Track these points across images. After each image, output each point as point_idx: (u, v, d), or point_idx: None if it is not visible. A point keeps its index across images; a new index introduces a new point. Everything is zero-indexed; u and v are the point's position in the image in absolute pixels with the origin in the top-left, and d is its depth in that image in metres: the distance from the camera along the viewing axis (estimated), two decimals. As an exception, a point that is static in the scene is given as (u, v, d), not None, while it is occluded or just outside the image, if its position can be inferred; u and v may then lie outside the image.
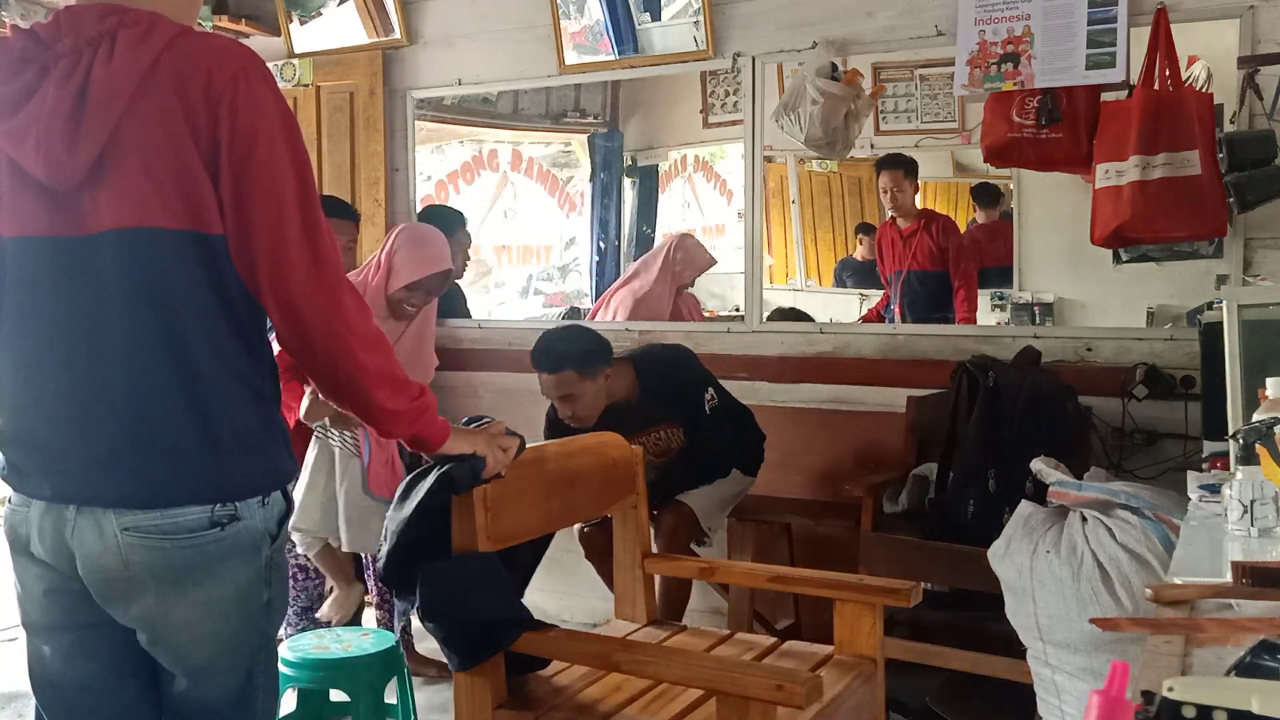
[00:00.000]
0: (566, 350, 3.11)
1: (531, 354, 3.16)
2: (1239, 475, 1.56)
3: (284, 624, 2.27)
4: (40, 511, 1.46)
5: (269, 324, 1.51)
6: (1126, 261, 3.90)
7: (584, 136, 5.94)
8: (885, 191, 4.75)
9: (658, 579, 3.11)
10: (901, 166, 4.69)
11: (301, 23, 4.34)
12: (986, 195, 5.12)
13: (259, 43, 4.28)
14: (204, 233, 1.42)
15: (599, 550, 3.33)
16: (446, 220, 4.40)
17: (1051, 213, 4.39)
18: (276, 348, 1.56)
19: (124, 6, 1.42)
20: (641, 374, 3.26)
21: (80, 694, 1.54)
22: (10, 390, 1.49)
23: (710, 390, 3.27)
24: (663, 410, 3.26)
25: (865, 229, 5.58)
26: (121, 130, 1.38)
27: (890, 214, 4.79)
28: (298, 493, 2.97)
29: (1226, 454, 2.01)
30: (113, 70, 1.38)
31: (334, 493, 3.01)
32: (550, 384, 3.12)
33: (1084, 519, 2.43)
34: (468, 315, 4.33)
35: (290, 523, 2.56)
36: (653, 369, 3.29)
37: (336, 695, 2.77)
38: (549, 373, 3.11)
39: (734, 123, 4.83)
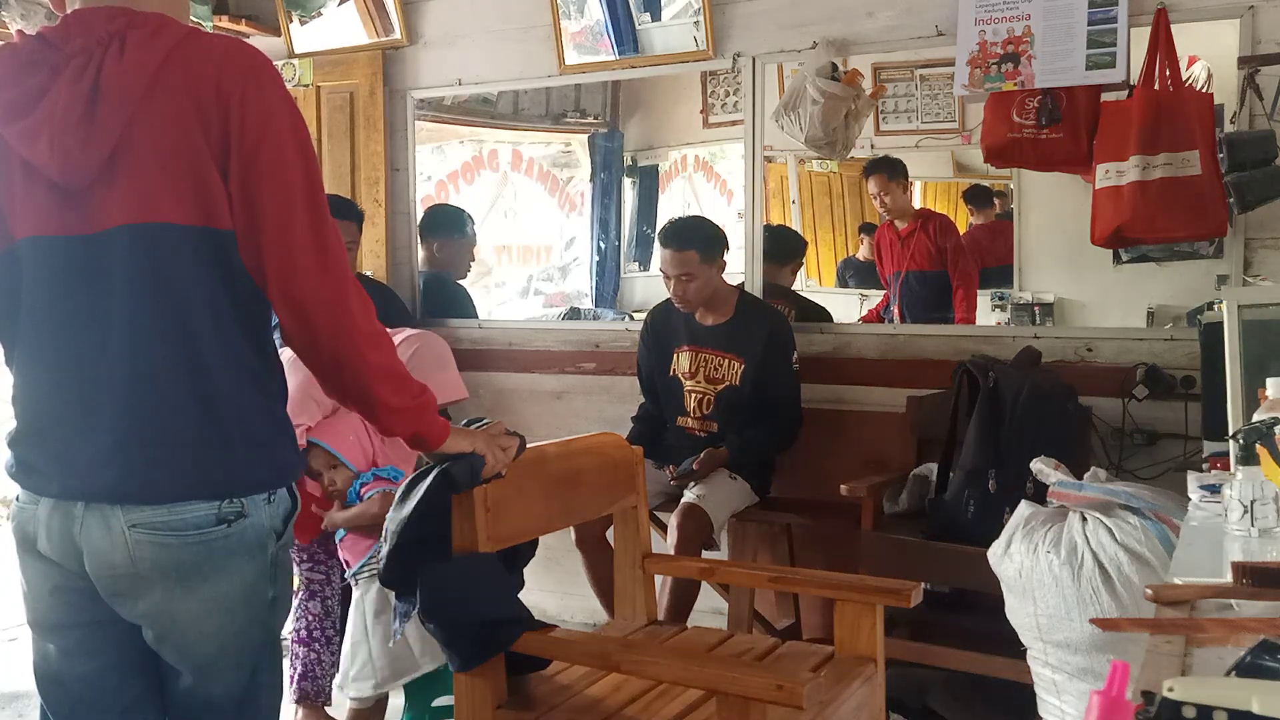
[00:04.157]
0: (694, 232, 3.46)
1: (660, 234, 3.51)
2: (1239, 475, 1.56)
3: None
4: (48, 509, 1.46)
5: (274, 320, 1.52)
6: (1126, 261, 3.91)
7: (584, 136, 5.94)
8: (874, 197, 4.76)
9: (669, 579, 3.13)
10: (884, 170, 4.69)
11: (301, 23, 4.34)
12: (979, 197, 5.12)
13: (259, 43, 4.27)
14: (214, 228, 1.43)
15: (590, 540, 3.34)
16: (454, 219, 4.42)
17: (1051, 213, 4.38)
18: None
19: (131, 9, 1.44)
20: (744, 300, 3.53)
21: (85, 692, 1.54)
22: (25, 388, 1.51)
23: (795, 355, 3.44)
24: (742, 338, 3.44)
25: (868, 229, 5.58)
26: (133, 127, 1.40)
27: (885, 216, 4.80)
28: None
29: (1227, 454, 2.01)
30: (124, 68, 1.39)
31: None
32: (674, 260, 3.39)
33: (1084, 519, 2.43)
34: (475, 315, 4.33)
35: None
36: (755, 301, 3.58)
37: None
38: (676, 250, 3.39)
39: (734, 123, 4.83)
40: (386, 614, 2.59)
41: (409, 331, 2.99)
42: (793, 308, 3.94)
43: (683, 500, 3.27)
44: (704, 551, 3.31)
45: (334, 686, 2.75)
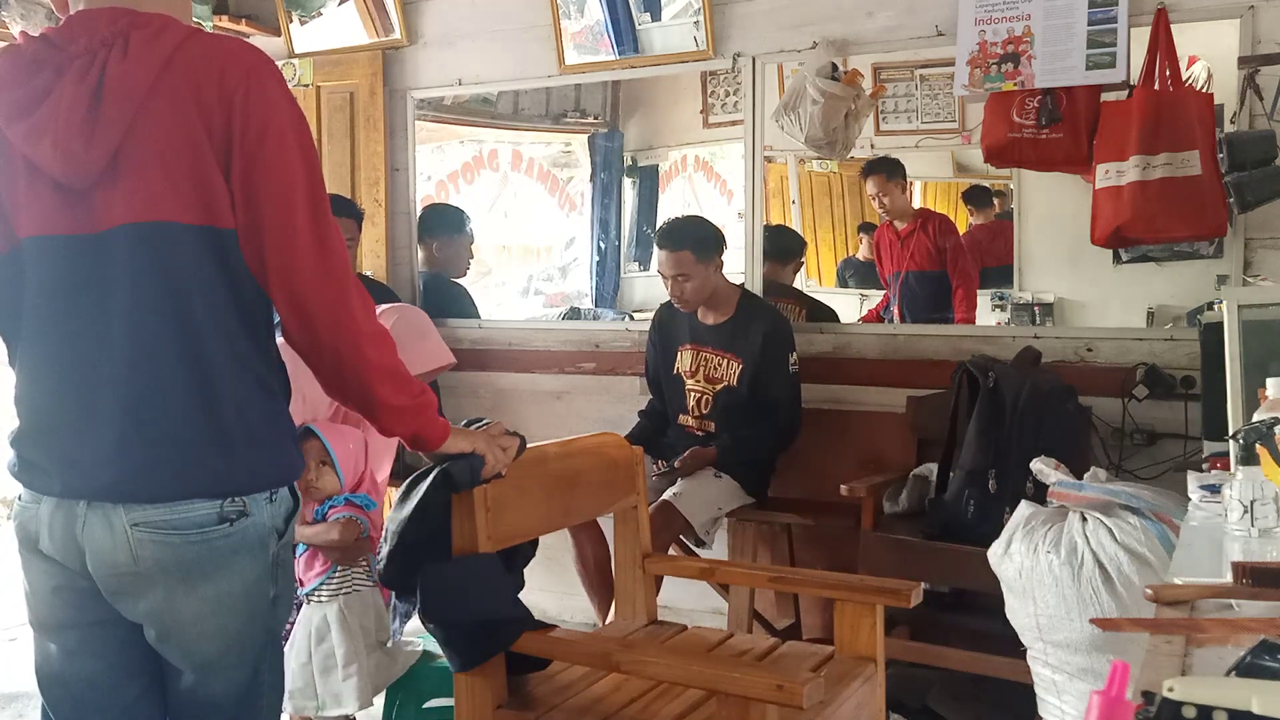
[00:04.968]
0: (688, 232, 3.45)
1: (656, 234, 3.54)
2: (1239, 475, 1.56)
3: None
4: (51, 508, 1.47)
5: (275, 319, 1.52)
6: (1126, 261, 3.91)
7: (584, 136, 5.94)
8: (873, 197, 4.76)
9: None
10: (883, 171, 4.68)
11: (301, 23, 4.35)
12: (978, 197, 5.12)
13: (259, 43, 4.27)
14: (216, 227, 1.44)
15: (584, 530, 3.35)
16: (452, 218, 4.42)
17: (1051, 213, 4.38)
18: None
19: (134, 10, 1.45)
20: (744, 298, 3.51)
21: (86, 692, 1.55)
22: (28, 387, 1.51)
23: (794, 357, 3.42)
24: (741, 338, 3.43)
25: (867, 229, 5.58)
26: (137, 126, 1.40)
27: (884, 217, 4.79)
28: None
29: (1227, 454, 2.01)
30: (128, 67, 1.40)
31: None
32: (670, 261, 3.40)
33: (1084, 519, 2.43)
34: (476, 315, 4.33)
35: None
36: (756, 300, 3.56)
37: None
38: (670, 250, 3.41)
39: (734, 123, 4.82)
40: (326, 644, 2.53)
41: (387, 305, 2.96)
42: (802, 308, 3.94)
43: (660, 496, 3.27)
44: (697, 550, 3.31)
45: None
